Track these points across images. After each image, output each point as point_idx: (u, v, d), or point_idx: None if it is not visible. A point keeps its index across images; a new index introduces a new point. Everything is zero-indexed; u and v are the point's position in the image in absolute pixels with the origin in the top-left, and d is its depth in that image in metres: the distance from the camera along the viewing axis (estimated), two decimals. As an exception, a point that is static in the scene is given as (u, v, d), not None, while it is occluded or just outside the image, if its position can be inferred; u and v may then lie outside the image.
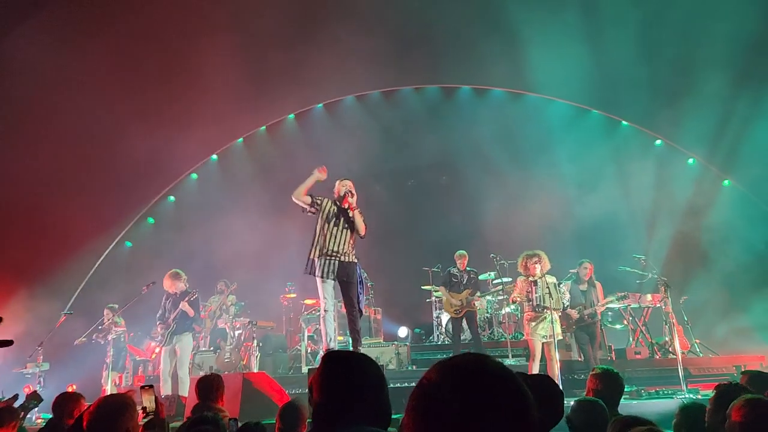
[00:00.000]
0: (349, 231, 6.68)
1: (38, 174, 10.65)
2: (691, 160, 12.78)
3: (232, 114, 12.36)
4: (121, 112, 10.91)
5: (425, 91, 13.92)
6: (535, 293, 7.63)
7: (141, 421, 3.10)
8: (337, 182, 6.90)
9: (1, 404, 4.81)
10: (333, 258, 6.57)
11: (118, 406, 2.93)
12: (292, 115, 14.02)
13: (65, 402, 4.56)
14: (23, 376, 9.94)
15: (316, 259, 6.62)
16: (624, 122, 13.08)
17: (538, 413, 1.05)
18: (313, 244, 6.70)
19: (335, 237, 6.59)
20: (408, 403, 1.07)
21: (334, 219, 6.66)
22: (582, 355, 8.60)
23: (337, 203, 6.74)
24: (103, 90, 10.50)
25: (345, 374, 1.83)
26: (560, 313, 7.99)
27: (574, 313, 8.38)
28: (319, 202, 6.70)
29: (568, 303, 8.18)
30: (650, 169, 12.49)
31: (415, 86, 13.79)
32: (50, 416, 4.81)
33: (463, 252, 10.14)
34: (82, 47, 10.36)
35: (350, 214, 6.64)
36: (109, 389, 9.09)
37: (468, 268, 10.06)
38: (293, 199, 6.64)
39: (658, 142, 12.97)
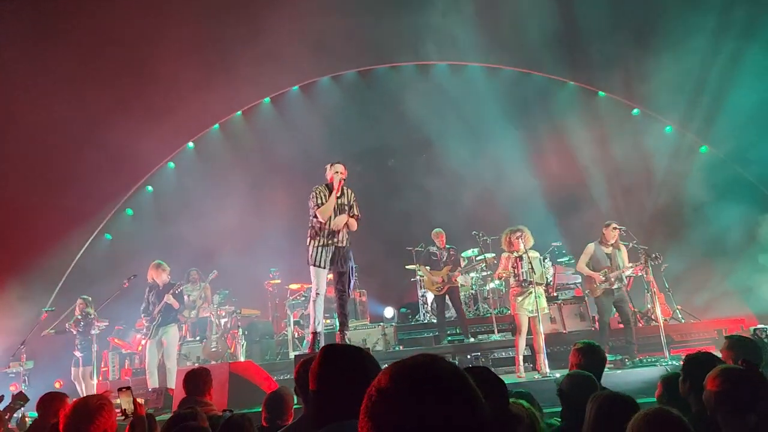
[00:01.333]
0: (342, 216, 6.66)
1: (11, 169, 10.42)
2: (668, 128, 12.86)
3: (206, 101, 12.15)
4: (93, 104, 10.71)
5: (401, 69, 13.79)
6: (521, 268, 7.65)
7: (120, 421, 3.06)
8: (328, 167, 6.82)
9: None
10: (329, 246, 6.60)
11: (94, 407, 2.90)
12: (267, 99, 13.84)
13: (49, 401, 4.51)
14: (8, 376, 9.85)
15: (311, 248, 6.63)
16: (601, 92, 13.10)
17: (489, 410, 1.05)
18: (309, 231, 6.71)
19: (329, 226, 6.59)
20: (361, 407, 1.05)
21: (325, 204, 6.62)
22: (598, 324, 8.42)
23: (328, 190, 6.68)
24: (74, 82, 10.29)
25: (343, 366, 1.84)
26: (544, 288, 8.02)
27: (598, 277, 8.09)
28: (320, 202, 6.60)
29: (551, 278, 8.21)
30: (628, 138, 12.57)
31: (391, 64, 13.65)
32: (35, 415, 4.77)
33: (440, 230, 10.17)
34: (51, 39, 10.11)
35: (339, 196, 6.61)
36: (95, 384, 9.02)
37: (447, 246, 10.09)
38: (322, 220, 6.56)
39: (635, 111, 13.02)
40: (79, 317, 9.41)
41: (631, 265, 8.04)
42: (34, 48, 9.96)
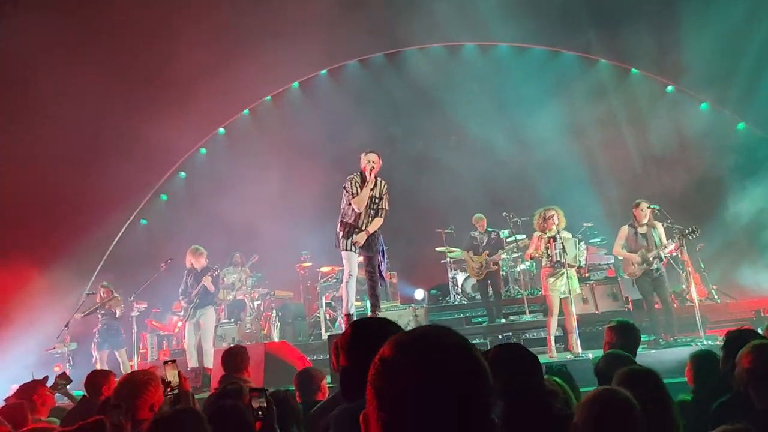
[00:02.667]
0: (374, 207, 6.73)
1: (52, 160, 10.70)
2: (703, 105, 12.54)
3: (235, 86, 12.28)
4: (125, 94, 10.91)
5: (429, 51, 13.68)
6: (555, 249, 7.59)
7: (165, 395, 3.18)
8: (362, 155, 6.82)
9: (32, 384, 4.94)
10: (358, 232, 6.68)
11: (141, 382, 3.01)
12: (296, 84, 13.90)
13: (96, 379, 4.67)
14: (53, 356, 10.22)
15: (341, 233, 6.75)
16: (634, 70, 12.82)
17: (495, 385, 1.03)
18: (339, 218, 6.82)
19: (360, 212, 6.66)
20: (368, 377, 1.04)
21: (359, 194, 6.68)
22: (631, 304, 8.26)
23: (362, 179, 6.72)
24: (107, 74, 10.50)
25: (372, 339, 1.85)
26: (578, 270, 7.93)
27: (635, 258, 7.90)
28: (355, 192, 6.67)
29: (584, 262, 8.10)
30: (662, 116, 12.30)
31: (419, 46, 13.55)
32: (81, 393, 4.96)
33: (479, 215, 10.33)
34: (86, 35, 10.38)
35: (372, 187, 6.65)
36: (135, 365, 9.31)
37: (488, 229, 10.20)
38: (357, 210, 6.63)
39: (669, 88, 12.72)
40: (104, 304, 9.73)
41: (669, 241, 7.86)
42: (72, 40, 10.19)
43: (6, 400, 4.70)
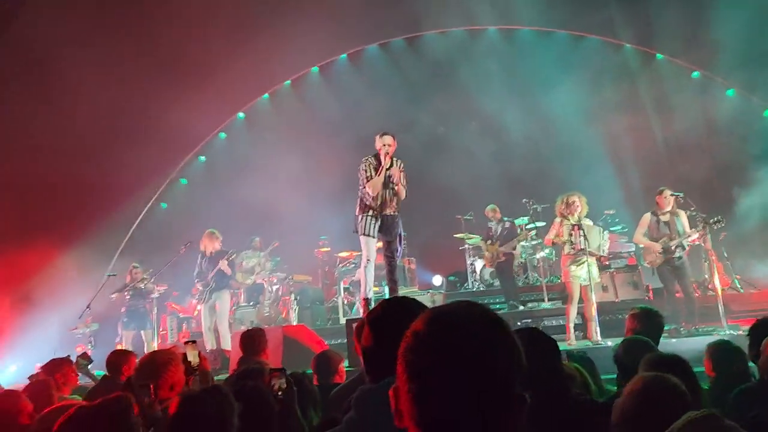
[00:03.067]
0: (391, 186, 6.70)
1: (74, 141, 10.81)
2: (730, 91, 12.26)
3: (255, 71, 12.27)
4: (146, 78, 10.96)
5: (450, 35, 13.51)
6: (579, 236, 7.47)
7: (187, 375, 3.20)
8: (377, 138, 6.80)
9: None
10: (377, 216, 6.67)
11: (162, 362, 3.04)
12: (315, 68, 13.86)
13: (117, 359, 4.75)
14: (74, 337, 10.40)
15: (359, 216, 6.72)
16: (659, 54, 12.55)
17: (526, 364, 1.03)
18: (358, 202, 6.80)
19: (379, 194, 6.63)
20: (399, 351, 1.06)
21: (374, 178, 6.65)
22: (651, 293, 8.14)
23: (377, 162, 6.69)
24: (130, 56, 10.58)
25: (400, 318, 1.81)
26: (600, 259, 7.82)
27: (657, 246, 7.75)
28: (370, 175, 6.64)
29: (607, 251, 7.98)
30: (687, 101, 12.04)
31: (440, 30, 13.40)
32: (102, 373, 5.04)
33: (492, 206, 10.38)
34: (108, 12, 10.42)
35: (387, 168, 6.62)
36: (156, 346, 9.44)
37: (504, 219, 10.15)
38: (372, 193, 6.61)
39: (695, 73, 12.45)
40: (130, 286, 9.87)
41: (693, 230, 7.72)
42: (93, 31, 10.28)
43: (30, 378, 4.79)
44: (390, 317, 1.81)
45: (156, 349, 9.15)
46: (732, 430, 1.80)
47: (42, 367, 5.01)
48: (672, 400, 2.14)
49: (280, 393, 2.66)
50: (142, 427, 2.35)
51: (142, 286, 9.83)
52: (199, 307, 10.78)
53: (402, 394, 1.03)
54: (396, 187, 6.70)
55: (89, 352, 6.82)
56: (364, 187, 6.68)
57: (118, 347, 10.17)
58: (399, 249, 6.93)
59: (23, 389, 4.12)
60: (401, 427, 1.04)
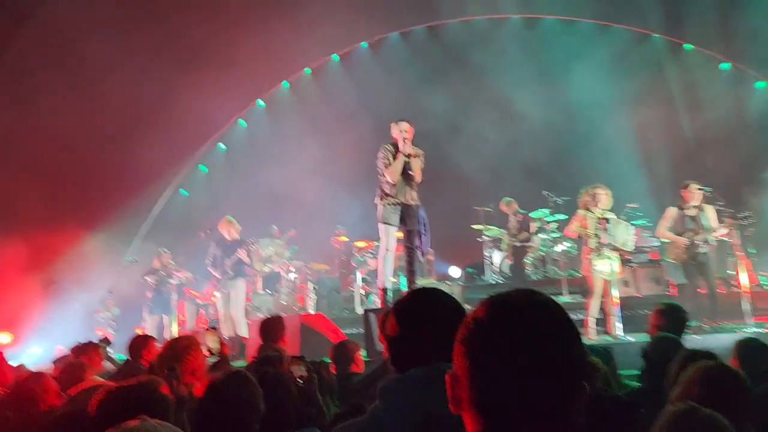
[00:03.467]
0: (410, 176, 6.64)
1: (93, 128, 10.91)
2: (759, 84, 11.96)
3: (275, 58, 12.24)
4: (166, 64, 10.99)
5: (473, 24, 13.35)
6: (601, 228, 7.35)
7: (207, 360, 3.21)
8: (392, 125, 6.74)
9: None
10: (396, 204, 6.61)
11: (183, 347, 3.04)
12: (336, 56, 13.79)
13: (137, 343, 4.80)
14: (96, 321, 10.55)
15: (379, 205, 6.68)
16: (687, 45, 12.28)
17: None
18: (378, 191, 6.75)
19: (399, 184, 6.58)
20: (457, 336, 1.06)
21: (392, 165, 6.60)
22: (673, 288, 7.99)
23: (395, 149, 6.63)
24: (153, 44, 10.63)
25: (434, 310, 1.76)
26: (622, 254, 7.69)
27: (683, 241, 7.57)
28: (388, 162, 6.58)
29: (633, 246, 7.85)
30: (716, 93, 11.78)
31: (462, 18, 13.25)
32: (123, 357, 5.11)
33: (505, 199, 10.50)
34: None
35: (407, 159, 6.56)
36: (175, 332, 9.53)
37: (520, 210, 10.21)
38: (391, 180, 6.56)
39: (725, 65, 12.16)
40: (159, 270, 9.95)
41: (720, 225, 7.54)
42: (115, 20, 10.38)
43: (54, 362, 4.86)
44: (418, 307, 1.78)
45: (176, 335, 9.25)
46: (712, 417, 1.88)
47: (72, 350, 5.10)
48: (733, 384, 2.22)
49: (300, 380, 2.65)
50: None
51: (173, 274, 9.90)
52: (216, 294, 10.89)
53: (462, 380, 1.03)
54: (414, 176, 6.64)
55: (111, 337, 6.90)
56: (383, 175, 6.63)
57: (138, 332, 10.31)
58: (425, 240, 6.86)
59: (55, 371, 4.18)
60: (457, 414, 1.05)
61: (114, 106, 10.77)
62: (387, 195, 6.65)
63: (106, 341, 6.14)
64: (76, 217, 10.61)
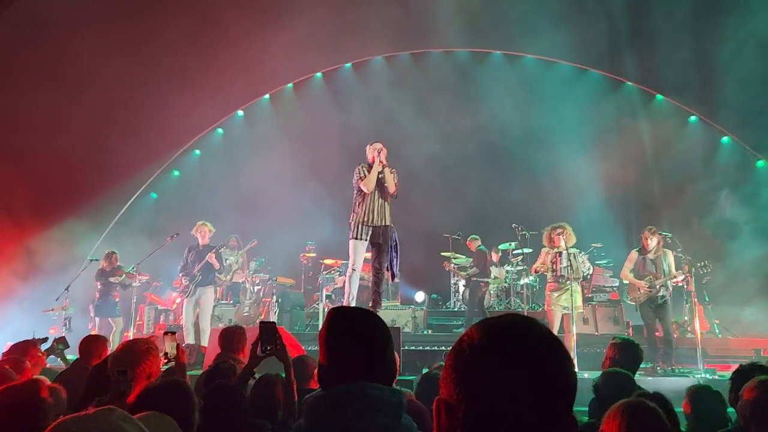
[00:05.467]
0: (384, 195, 6.69)
1: (64, 122, 10.73)
2: (725, 139, 12.44)
3: (258, 70, 12.27)
4: (147, 67, 10.93)
5: (456, 55, 13.64)
6: (560, 264, 7.56)
7: (163, 366, 3.17)
8: (368, 147, 6.84)
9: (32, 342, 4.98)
10: (368, 224, 6.64)
11: (142, 350, 3.00)
12: (319, 74, 13.88)
13: (90, 344, 4.70)
14: (50, 319, 10.24)
15: (353, 223, 6.71)
16: (659, 96, 12.72)
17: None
18: (352, 208, 6.80)
19: (371, 202, 6.63)
20: (447, 360, 1.04)
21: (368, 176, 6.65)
22: (646, 331, 8.04)
23: (371, 167, 6.70)
24: (134, 49, 10.59)
25: (350, 330, 1.81)
26: (581, 283, 7.88)
27: (643, 285, 7.82)
28: (363, 175, 6.65)
29: (589, 272, 8.03)
30: (683, 145, 12.22)
31: (445, 49, 13.51)
32: (75, 357, 4.98)
33: (472, 236, 10.90)
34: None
35: (380, 170, 6.62)
36: (131, 336, 9.32)
37: (480, 247, 10.66)
38: (366, 190, 6.61)
39: (693, 118, 12.62)
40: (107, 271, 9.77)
41: (679, 272, 7.78)
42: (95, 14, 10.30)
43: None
44: (338, 328, 1.83)
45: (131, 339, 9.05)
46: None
47: (10, 347, 4.95)
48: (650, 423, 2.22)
49: (268, 348, 2.74)
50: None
51: (119, 278, 9.72)
52: (178, 300, 10.71)
53: (451, 405, 1.00)
54: (389, 192, 6.68)
55: (65, 335, 6.74)
56: (359, 190, 6.67)
57: (93, 333, 10.06)
58: (395, 261, 6.88)
59: None
60: None
61: (91, 106, 10.62)
62: (359, 213, 6.69)
63: (62, 341, 6.00)
64: (41, 213, 10.39)
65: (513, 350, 0.98)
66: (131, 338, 8.90)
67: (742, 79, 10.42)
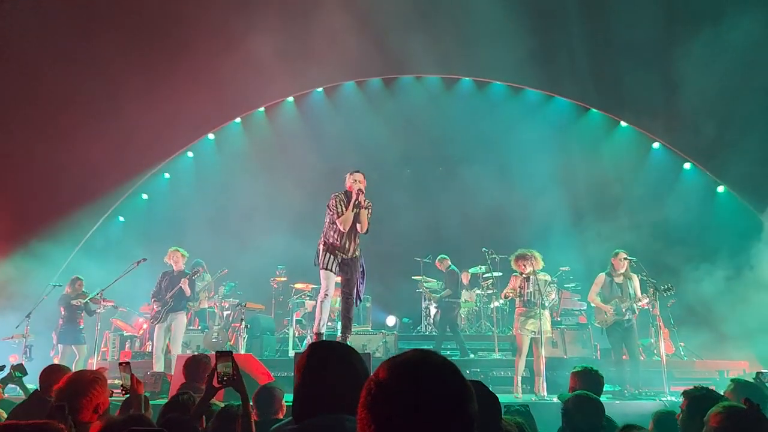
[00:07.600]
0: (355, 229, 6.68)
1: (38, 144, 10.55)
2: (687, 166, 12.78)
3: (229, 93, 12.26)
4: (123, 86, 10.83)
5: (425, 81, 13.83)
6: (527, 289, 7.65)
7: (121, 398, 3.09)
8: (347, 175, 6.81)
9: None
10: (338, 254, 6.63)
11: (87, 380, 2.92)
12: (291, 99, 13.91)
13: (50, 375, 4.54)
14: (10, 347, 9.92)
15: (321, 251, 6.68)
16: (623, 123, 13.06)
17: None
18: (322, 236, 6.76)
19: (343, 233, 6.60)
20: (360, 399, 1.11)
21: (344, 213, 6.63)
22: (614, 355, 8.11)
23: (347, 199, 6.68)
24: (101, 66, 10.49)
25: (330, 363, 1.83)
26: (554, 314, 7.98)
27: (609, 309, 7.95)
28: (340, 211, 6.61)
29: (553, 303, 8.13)
30: (646, 171, 12.52)
31: (416, 75, 13.70)
32: (36, 387, 4.81)
33: (440, 256, 10.72)
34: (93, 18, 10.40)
35: (357, 210, 6.61)
36: (95, 364, 9.06)
37: (452, 267, 10.53)
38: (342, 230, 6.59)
39: (656, 145, 12.96)
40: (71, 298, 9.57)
41: (644, 296, 7.93)
42: (73, 29, 10.21)
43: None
44: (314, 361, 1.85)
45: (94, 367, 8.80)
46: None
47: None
48: None
49: (225, 379, 2.68)
50: None
51: (81, 302, 9.52)
52: (145, 326, 10.48)
53: None
54: (361, 227, 6.68)
55: (23, 364, 6.52)
56: (333, 223, 6.64)
57: (56, 361, 9.75)
58: (361, 288, 6.86)
59: None
60: None
61: (55, 128, 10.47)
62: (330, 244, 6.67)
63: (21, 369, 5.80)
64: (1, 237, 10.13)
65: (417, 385, 1.06)
66: (94, 367, 8.70)
67: (706, 110, 10.75)
